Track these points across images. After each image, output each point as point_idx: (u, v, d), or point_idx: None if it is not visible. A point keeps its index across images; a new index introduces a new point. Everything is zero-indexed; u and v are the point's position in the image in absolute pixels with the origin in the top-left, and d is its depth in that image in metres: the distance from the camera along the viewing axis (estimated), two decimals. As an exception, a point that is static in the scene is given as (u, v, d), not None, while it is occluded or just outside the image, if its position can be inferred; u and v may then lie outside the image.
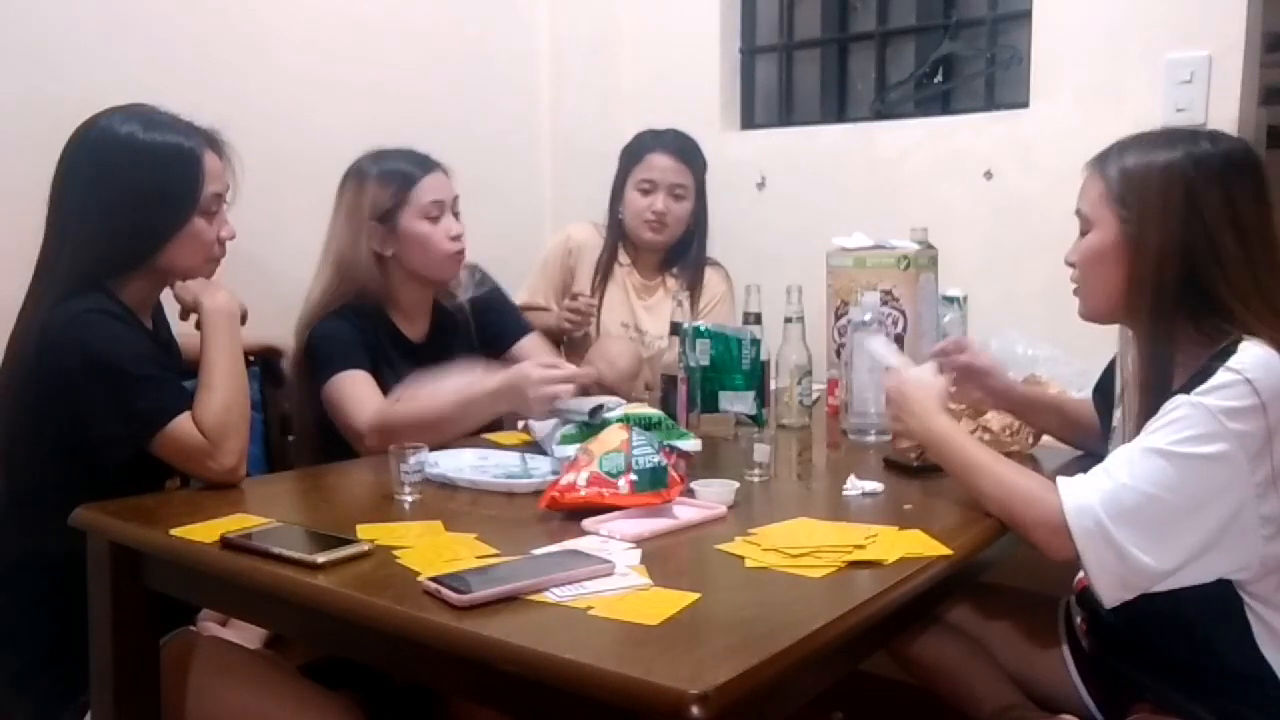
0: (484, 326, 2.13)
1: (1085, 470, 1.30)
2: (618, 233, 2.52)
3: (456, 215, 2.01)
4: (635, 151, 2.49)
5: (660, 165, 2.44)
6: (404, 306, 2.00)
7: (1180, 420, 1.21)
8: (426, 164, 1.99)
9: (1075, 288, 1.45)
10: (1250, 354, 1.22)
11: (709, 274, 2.52)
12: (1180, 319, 1.30)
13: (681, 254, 2.52)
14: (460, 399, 1.79)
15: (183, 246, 1.57)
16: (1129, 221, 1.33)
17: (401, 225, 1.95)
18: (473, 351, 2.10)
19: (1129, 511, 1.20)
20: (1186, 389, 1.23)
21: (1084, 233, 1.41)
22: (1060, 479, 1.27)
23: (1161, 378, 1.30)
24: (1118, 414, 1.53)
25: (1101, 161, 1.39)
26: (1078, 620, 1.58)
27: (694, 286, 2.47)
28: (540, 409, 1.73)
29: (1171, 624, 1.32)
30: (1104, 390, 1.62)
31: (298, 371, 1.97)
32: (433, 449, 1.57)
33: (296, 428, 2.05)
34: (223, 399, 1.54)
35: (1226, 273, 1.27)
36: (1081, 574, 1.50)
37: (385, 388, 1.87)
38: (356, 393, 1.84)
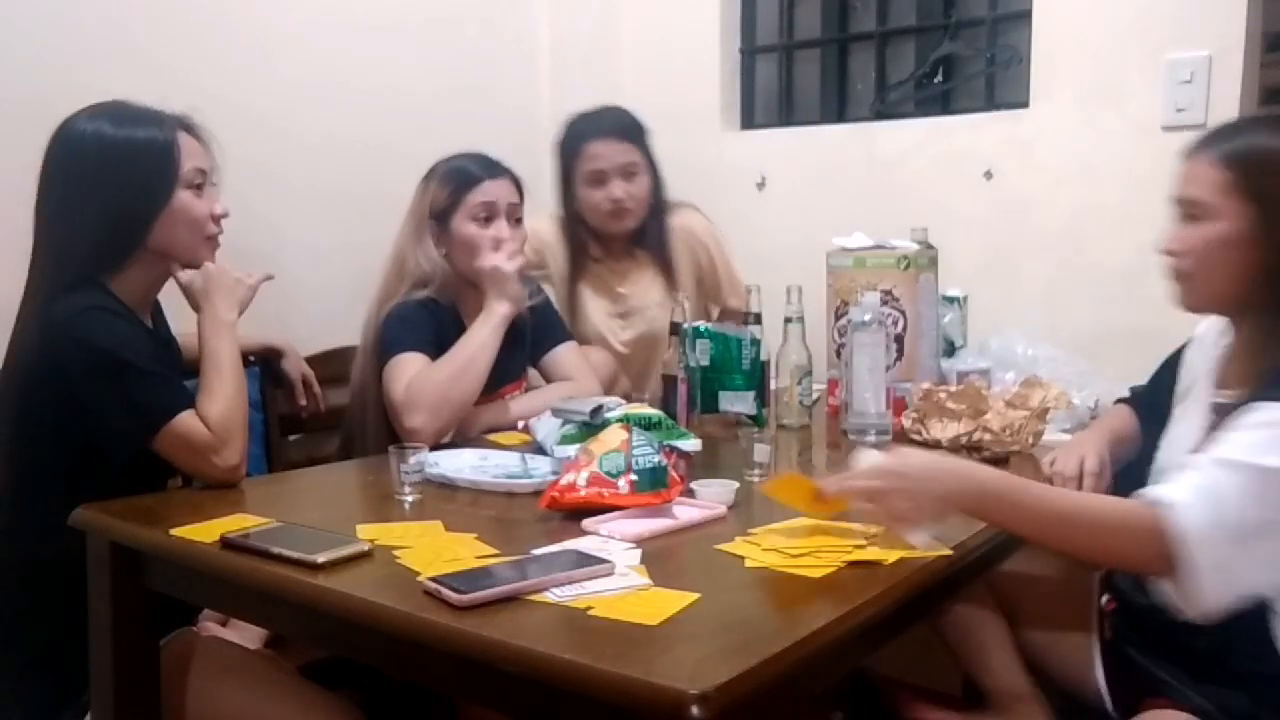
0: (532, 332, 2.13)
1: None
2: (580, 229, 2.39)
3: (518, 222, 2.00)
4: (572, 144, 2.34)
5: (603, 152, 2.30)
6: (469, 309, 1.98)
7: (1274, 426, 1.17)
8: (491, 168, 1.99)
9: (1177, 277, 1.40)
10: None
11: (686, 219, 2.42)
12: None
13: (647, 228, 2.38)
14: (472, 331, 1.88)
15: (172, 223, 1.56)
16: (1260, 213, 1.29)
17: (452, 226, 1.96)
18: (523, 358, 2.12)
19: (1242, 534, 1.15)
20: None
21: (1191, 219, 1.36)
22: (1159, 497, 1.18)
23: (1276, 372, 1.26)
24: (1178, 410, 1.51)
25: (1215, 149, 1.34)
26: (1102, 601, 1.56)
27: (663, 250, 2.38)
28: (514, 284, 1.93)
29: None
30: (1154, 400, 1.60)
31: (370, 358, 1.95)
32: (447, 445, 1.58)
33: (360, 419, 1.99)
34: (224, 399, 1.54)
35: None
36: None
37: None
38: (408, 370, 1.84)
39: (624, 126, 2.34)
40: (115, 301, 1.54)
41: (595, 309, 2.43)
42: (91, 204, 1.52)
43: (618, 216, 2.33)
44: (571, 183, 2.36)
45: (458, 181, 1.97)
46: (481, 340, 1.88)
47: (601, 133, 2.32)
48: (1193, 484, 1.18)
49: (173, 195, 1.55)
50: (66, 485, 1.47)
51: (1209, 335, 1.52)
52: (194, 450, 1.50)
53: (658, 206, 2.38)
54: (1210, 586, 1.16)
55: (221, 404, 1.53)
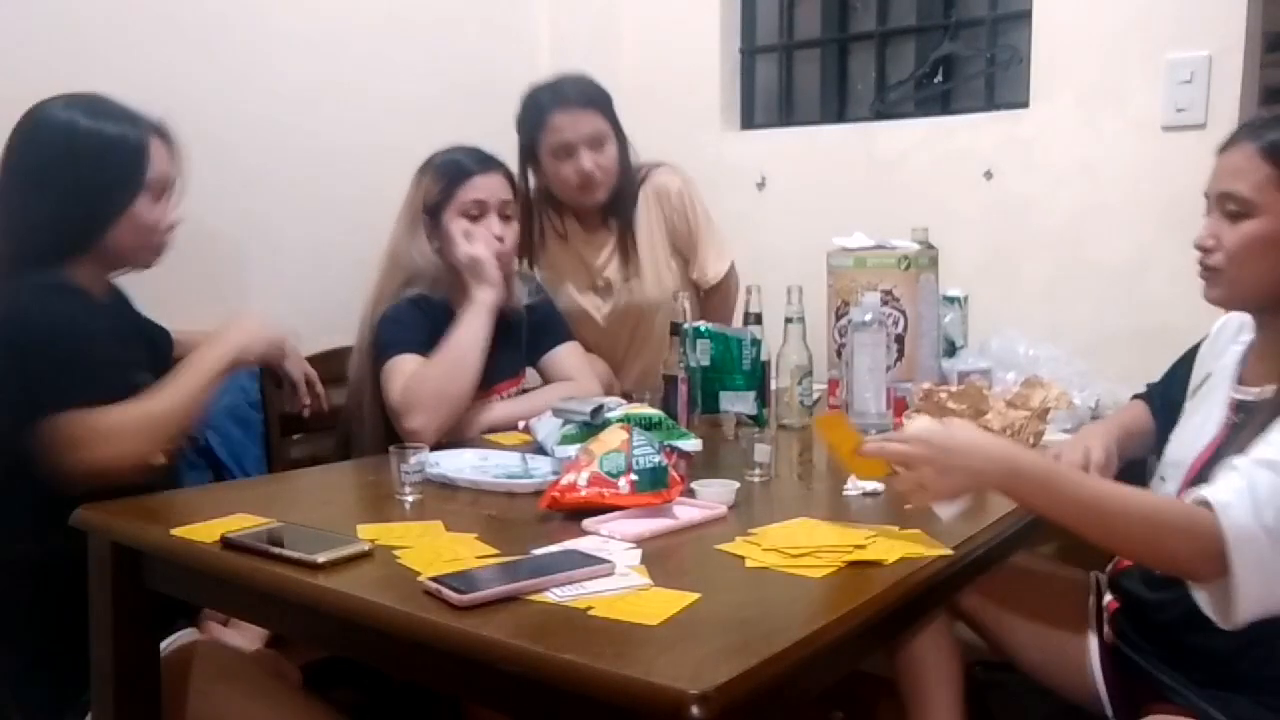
0: (530, 332, 2.13)
1: None
2: (546, 204, 2.33)
3: (508, 218, 1.99)
4: (534, 118, 2.23)
5: (567, 124, 2.19)
6: (463, 303, 1.96)
7: None
8: (485, 163, 1.98)
9: (1208, 272, 1.36)
10: None
11: (661, 180, 2.34)
12: None
13: (619, 198, 2.30)
14: (460, 323, 1.87)
15: (127, 228, 1.55)
16: None
17: (444, 220, 1.96)
18: (519, 357, 2.11)
19: None
20: None
21: (1235, 216, 1.31)
22: (1210, 498, 1.15)
23: None
24: (1189, 405, 1.50)
25: (1257, 141, 1.31)
26: (1105, 600, 1.55)
27: (626, 226, 2.30)
28: (493, 269, 1.91)
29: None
30: (1168, 395, 1.59)
31: (366, 358, 1.96)
32: (448, 443, 1.58)
33: (356, 418, 2.00)
34: (160, 403, 1.47)
35: None
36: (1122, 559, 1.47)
37: None
38: (404, 372, 1.85)
39: (587, 94, 2.24)
40: (74, 284, 1.52)
41: (572, 284, 2.37)
42: (53, 192, 1.51)
43: (588, 189, 2.24)
44: (536, 157, 2.26)
45: (450, 176, 1.96)
46: (470, 332, 1.87)
47: (565, 102, 2.21)
48: (1236, 485, 1.15)
49: (135, 199, 1.54)
50: (46, 482, 1.41)
51: (1224, 332, 1.51)
52: (70, 444, 1.41)
53: (627, 174, 2.30)
54: (1248, 592, 1.13)
55: (151, 406, 1.46)
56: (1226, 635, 1.25)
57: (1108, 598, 1.54)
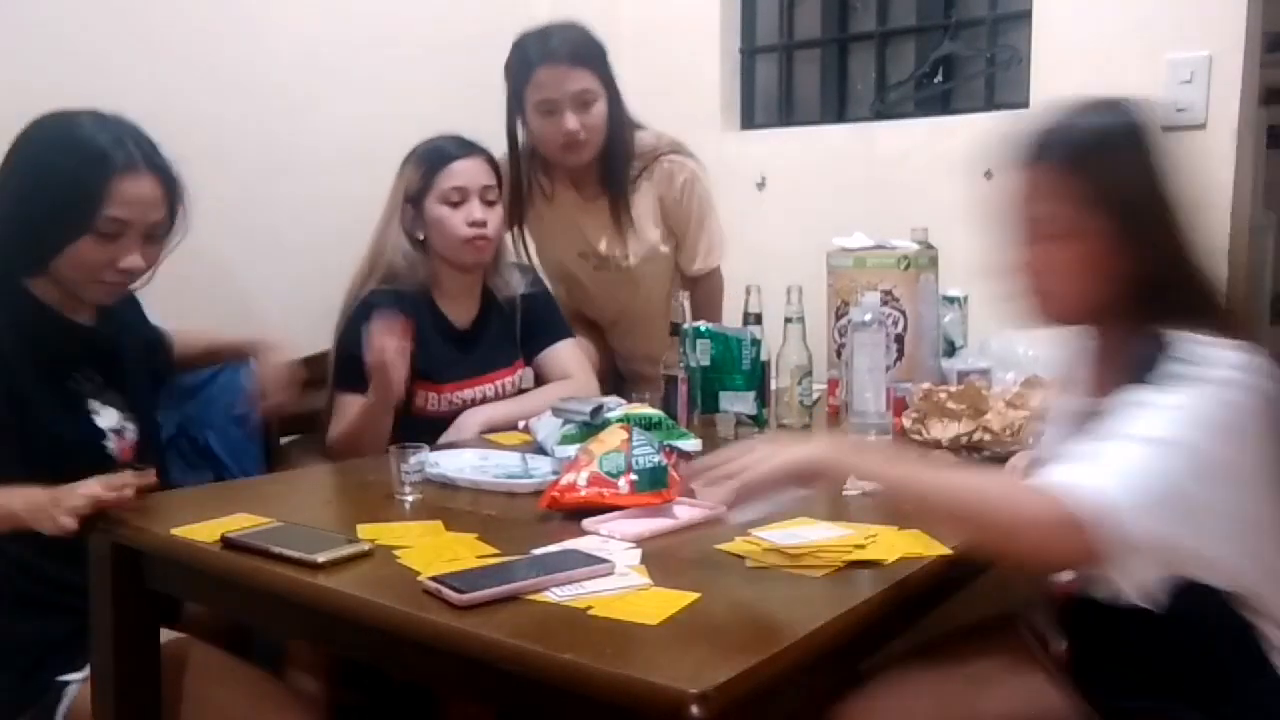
0: (525, 326, 2.12)
1: None
2: (530, 163, 2.26)
3: (492, 204, 1.98)
4: (520, 69, 2.13)
5: (553, 80, 2.09)
6: (447, 290, 1.98)
7: (1169, 406, 1.09)
8: (465, 149, 1.98)
9: (1035, 293, 1.32)
10: (1203, 344, 1.12)
11: (668, 164, 2.27)
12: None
13: (611, 160, 2.21)
14: (359, 412, 1.84)
15: (70, 261, 1.48)
16: (1119, 219, 1.23)
17: (426, 207, 1.96)
18: (513, 346, 2.10)
19: (1156, 501, 1.05)
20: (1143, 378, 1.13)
21: (1052, 237, 1.26)
22: (1055, 476, 1.08)
23: (1145, 370, 1.16)
24: (1056, 406, 1.45)
25: (1053, 152, 1.28)
26: (1061, 647, 1.42)
27: (619, 195, 2.22)
28: (393, 385, 1.75)
29: (1180, 637, 1.20)
30: None
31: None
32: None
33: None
34: None
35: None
36: (1063, 584, 1.42)
37: (420, 368, 1.89)
38: (341, 418, 1.89)
39: (577, 50, 2.12)
40: (24, 300, 1.51)
41: (561, 246, 2.33)
42: (19, 199, 1.49)
43: (571, 149, 2.15)
44: (521, 109, 2.17)
45: (430, 163, 1.96)
46: (365, 421, 1.83)
47: (552, 58, 2.09)
48: (1088, 462, 1.08)
49: (82, 238, 1.46)
50: None
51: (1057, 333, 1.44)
52: None
53: (618, 134, 2.19)
54: (1132, 564, 1.07)
55: None
56: (1161, 647, 1.21)
57: (1063, 640, 1.42)
